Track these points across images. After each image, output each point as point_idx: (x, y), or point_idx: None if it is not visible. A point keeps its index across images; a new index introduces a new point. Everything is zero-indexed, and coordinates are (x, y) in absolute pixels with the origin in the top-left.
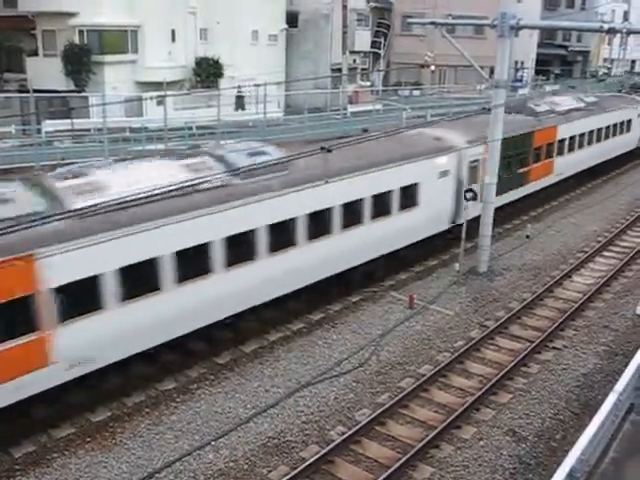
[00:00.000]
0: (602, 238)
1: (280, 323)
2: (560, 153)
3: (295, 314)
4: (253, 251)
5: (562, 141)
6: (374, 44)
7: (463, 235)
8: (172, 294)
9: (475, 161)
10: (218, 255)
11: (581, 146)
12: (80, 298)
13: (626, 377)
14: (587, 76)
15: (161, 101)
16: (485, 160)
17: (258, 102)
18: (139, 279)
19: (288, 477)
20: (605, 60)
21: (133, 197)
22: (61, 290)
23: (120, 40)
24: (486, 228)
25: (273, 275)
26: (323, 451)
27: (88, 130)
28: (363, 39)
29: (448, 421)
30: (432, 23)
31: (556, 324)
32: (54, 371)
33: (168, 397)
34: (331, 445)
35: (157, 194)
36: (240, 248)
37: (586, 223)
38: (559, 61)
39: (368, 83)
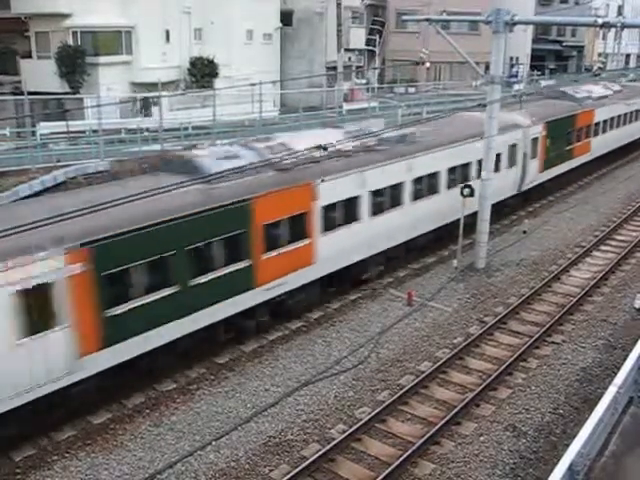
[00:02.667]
0: (599, 232)
1: (279, 322)
2: None
3: (294, 313)
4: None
5: None
6: (369, 42)
7: (460, 231)
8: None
9: None
10: None
11: None
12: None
13: (625, 370)
14: (582, 71)
15: (156, 102)
16: None
17: (254, 101)
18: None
19: (290, 476)
20: (600, 55)
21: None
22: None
23: (114, 41)
24: (483, 224)
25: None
26: (324, 449)
27: (83, 132)
28: (358, 37)
29: (448, 417)
30: (427, 20)
31: (555, 319)
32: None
33: (168, 398)
34: (332, 443)
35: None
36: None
37: (583, 218)
38: (554, 56)
39: (363, 81)
